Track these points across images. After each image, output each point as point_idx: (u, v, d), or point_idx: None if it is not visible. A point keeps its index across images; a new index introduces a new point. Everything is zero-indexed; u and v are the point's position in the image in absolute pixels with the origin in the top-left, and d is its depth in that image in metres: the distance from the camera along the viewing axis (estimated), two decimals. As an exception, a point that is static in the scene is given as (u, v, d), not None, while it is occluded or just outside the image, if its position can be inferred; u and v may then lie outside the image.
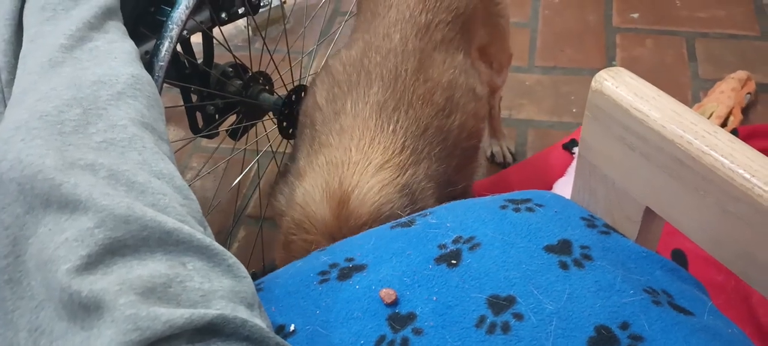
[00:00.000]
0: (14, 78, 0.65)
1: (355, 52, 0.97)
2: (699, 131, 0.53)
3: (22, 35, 0.69)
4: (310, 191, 0.87)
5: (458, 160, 0.96)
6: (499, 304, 0.54)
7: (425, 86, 0.93)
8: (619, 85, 0.59)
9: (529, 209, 0.64)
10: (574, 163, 1.40)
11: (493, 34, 1.19)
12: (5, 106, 0.65)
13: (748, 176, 0.49)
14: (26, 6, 0.70)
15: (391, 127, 0.88)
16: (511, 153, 1.57)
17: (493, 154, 1.57)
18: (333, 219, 0.84)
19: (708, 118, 1.49)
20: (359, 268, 0.61)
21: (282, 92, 1.23)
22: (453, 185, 0.96)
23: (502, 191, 0.71)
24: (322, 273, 0.62)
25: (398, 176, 0.86)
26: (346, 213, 0.84)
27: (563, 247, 0.59)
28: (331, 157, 0.88)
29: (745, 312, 1.05)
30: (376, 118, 0.88)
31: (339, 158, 0.87)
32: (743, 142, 0.52)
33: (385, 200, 0.85)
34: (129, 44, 0.70)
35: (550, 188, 1.43)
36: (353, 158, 0.87)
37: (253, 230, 1.49)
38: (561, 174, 1.45)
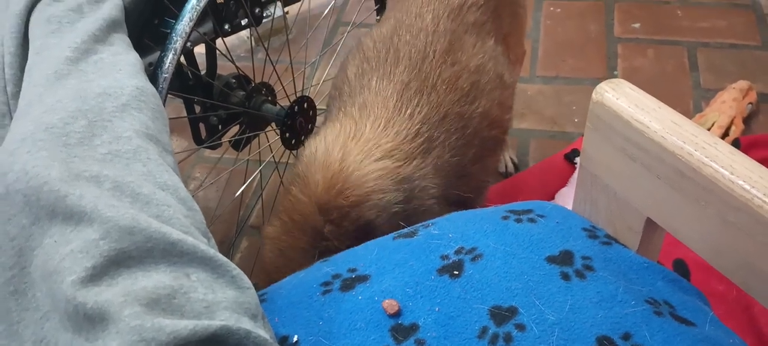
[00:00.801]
0: (20, 90, 0.66)
1: (386, 30, 0.97)
2: (699, 142, 0.53)
3: (27, 48, 0.70)
4: (316, 153, 0.87)
5: (476, 150, 0.94)
6: (501, 315, 0.54)
7: (452, 69, 0.91)
8: (620, 97, 0.59)
9: (531, 220, 0.64)
10: (575, 174, 1.40)
11: (513, 23, 1.18)
12: (11, 118, 0.66)
13: (748, 186, 0.49)
14: (32, 19, 0.71)
15: (408, 111, 0.88)
16: (513, 163, 1.57)
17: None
18: (324, 188, 0.84)
19: (709, 128, 1.50)
20: (362, 279, 0.61)
21: (285, 103, 1.24)
22: (467, 178, 0.93)
23: (504, 201, 0.71)
24: (325, 284, 0.62)
25: (401, 167, 0.86)
26: (337, 188, 0.83)
27: (565, 258, 0.59)
28: (346, 128, 0.88)
29: (747, 322, 1.04)
30: (396, 99, 0.88)
31: (352, 132, 0.87)
32: (743, 154, 0.52)
33: (379, 189, 0.84)
34: (133, 56, 0.70)
35: (552, 198, 1.43)
36: (365, 135, 0.87)
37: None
38: (563, 184, 1.45)
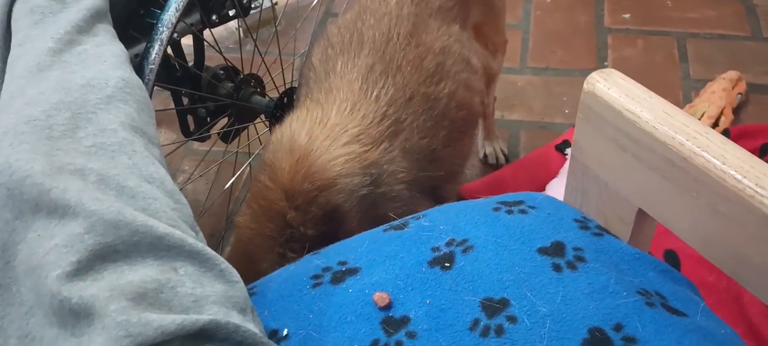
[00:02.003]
0: (2, 82, 0.65)
1: (351, 16, 0.98)
2: (690, 132, 0.53)
3: (10, 39, 0.68)
4: (282, 139, 0.87)
5: (446, 132, 0.94)
6: (493, 307, 0.54)
7: (416, 51, 0.92)
8: (611, 87, 0.59)
9: (522, 211, 0.64)
10: (566, 165, 1.40)
11: (487, 12, 1.18)
12: (-7, 110, 0.65)
13: (739, 176, 0.49)
14: (14, 10, 0.70)
15: (374, 94, 0.88)
16: (504, 154, 1.57)
17: (486, 155, 1.57)
18: (290, 174, 0.83)
19: (699, 119, 1.50)
20: (352, 271, 0.61)
21: (274, 94, 1.23)
22: (438, 162, 0.93)
23: (495, 192, 0.71)
24: (315, 277, 0.62)
25: (368, 151, 0.85)
26: (303, 173, 0.83)
27: (556, 249, 0.59)
28: (312, 114, 0.88)
29: (737, 311, 1.05)
30: (362, 82, 0.88)
31: (318, 117, 0.87)
32: (735, 144, 0.52)
33: (346, 173, 0.84)
34: (118, 47, 0.69)
35: (543, 189, 1.43)
36: (331, 120, 0.86)
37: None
38: (553, 175, 1.46)
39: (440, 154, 0.95)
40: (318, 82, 0.93)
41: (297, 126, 0.87)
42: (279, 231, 0.83)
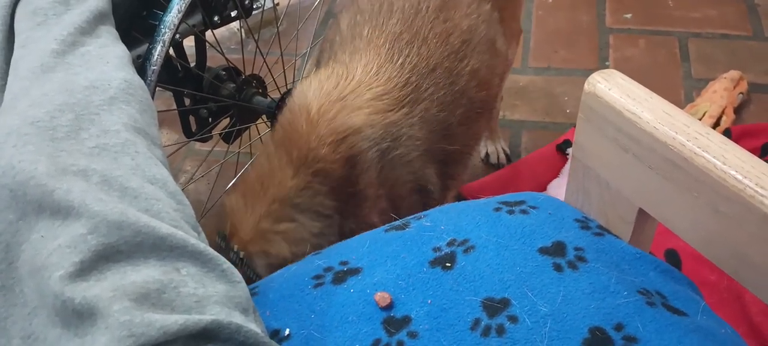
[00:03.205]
0: (6, 84, 0.65)
1: None
2: (691, 133, 0.53)
3: (13, 41, 0.69)
4: (310, 87, 0.89)
5: (465, 109, 0.96)
6: (494, 306, 0.54)
7: (444, 25, 0.93)
8: (612, 87, 0.59)
9: (523, 211, 0.64)
10: (568, 165, 1.40)
11: None
12: (-2, 111, 0.65)
13: (740, 177, 0.49)
14: (17, 11, 0.70)
15: (399, 61, 0.90)
16: (506, 154, 1.57)
17: (487, 155, 1.57)
18: (317, 114, 0.84)
19: (701, 118, 1.50)
20: (354, 271, 0.61)
21: (275, 95, 1.23)
22: (452, 139, 0.95)
23: (496, 192, 0.71)
24: (317, 277, 0.62)
25: (390, 111, 0.87)
26: (331, 115, 0.84)
27: (557, 249, 0.59)
28: (338, 69, 0.90)
29: (738, 311, 1.05)
30: (388, 48, 0.90)
31: (344, 74, 0.89)
32: (735, 144, 0.52)
33: (370, 124, 0.86)
34: (121, 49, 0.69)
35: (544, 188, 1.43)
36: (357, 78, 0.88)
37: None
38: (555, 175, 1.46)
39: (455, 130, 0.96)
40: (343, 46, 0.95)
41: (324, 78, 0.89)
42: (304, 161, 0.84)
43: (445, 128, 0.94)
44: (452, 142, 0.97)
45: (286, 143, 0.85)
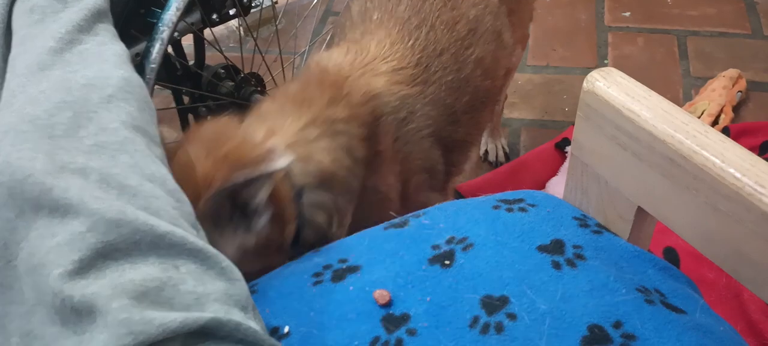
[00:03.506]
0: (3, 82, 0.65)
1: None
2: (690, 131, 0.53)
3: (10, 38, 0.69)
4: (328, 55, 0.91)
5: (470, 97, 0.98)
6: (493, 304, 0.54)
7: (451, 13, 0.96)
8: (611, 85, 0.59)
9: (522, 209, 0.64)
10: (566, 163, 1.41)
11: (520, 1, 1.21)
12: (-4, 109, 0.65)
13: (739, 175, 0.49)
14: (15, 8, 0.70)
15: (410, 42, 0.93)
16: (505, 152, 1.57)
17: (487, 152, 1.57)
18: (346, 70, 0.86)
19: (699, 117, 1.50)
20: (353, 269, 0.61)
21: (274, 93, 1.22)
22: (457, 126, 0.97)
23: (495, 190, 0.71)
24: (316, 275, 0.62)
25: (406, 86, 0.90)
26: (355, 75, 0.87)
27: (556, 247, 0.59)
28: (352, 46, 0.92)
29: (737, 309, 1.05)
30: (399, 29, 0.93)
31: (359, 48, 0.91)
32: (734, 142, 0.52)
33: (389, 92, 0.88)
34: (119, 46, 0.69)
35: (543, 187, 1.43)
36: (372, 52, 0.90)
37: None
38: (553, 173, 1.46)
39: (461, 117, 0.98)
40: (354, 28, 0.98)
41: (340, 51, 0.91)
42: (334, 99, 0.84)
43: (451, 114, 0.96)
44: (457, 128, 0.99)
45: (320, 83, 0.86)
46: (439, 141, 0.96)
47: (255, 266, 0.70)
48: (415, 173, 0.94)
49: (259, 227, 0.72)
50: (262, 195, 0.70)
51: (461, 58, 0.96)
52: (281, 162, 0.68)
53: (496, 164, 1.56)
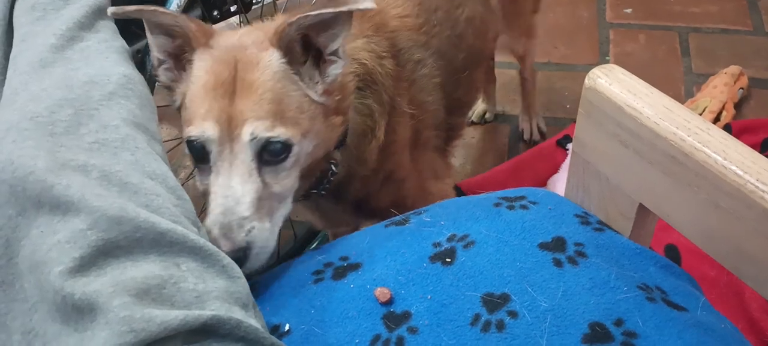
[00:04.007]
0: (5, 79, 0.65)
1: None
2: (692, 128, 0.53)
3: (12, 35, 0.68)
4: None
5: (465, 55, 1.05)
6: (494, 302, 0.54)
7: None
8: (613, 83, 0.59)
9: (523, 207, 0.64)
10: (568, 160, 1.40)
11: None
12: (-3, 106, 0.65)
13: (740, 172, 0.49)
14: (16, 6, 0.70)
15: None
16: (540, 131, 1.59)
17: (522, 131, 1.60)
18: (368, 12, 0.88)
19: (701, 114, 1.50)
20: (354, 267, 0.61)
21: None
22: (457, 84, 1.03)
23: (496, 187, 0.71)
24: (317, 272, 0.62)
25: (414, 32, 0.94)
26: (368, 15, 0.89)
27: (557, 244, 0.59)
28: None
29: (738, 306, 1.05)
30: None
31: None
32: (736, 139, 0.52)
33: (402, 29, 0.92)
34: (120, 43, 0.69)
35: (544, 184, 1.43)
36: (379, 3, 0.93)
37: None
38: (555, 170, 1.46)
39: (460, 76, 1.03)
40: None
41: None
42: (362, 33, 0.88)
43: (452, 71, 1.01)
44: (457, 88, 1.04)
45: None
46: (445, 97, 1.00)
47: (310, 137, 0.73)
48: (426, 128, 0.98)
49: (331, 77, 0.74)
50: (337, 43, 0.73)
51: (453, 16, 1.02)
52: (366, 3, 0.70)
53: (531, 143, 1.57)
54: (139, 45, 0.91)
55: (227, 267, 0.53)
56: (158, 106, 0.69)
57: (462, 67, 1.05)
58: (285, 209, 0.74)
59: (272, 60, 0.72)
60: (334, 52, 0.74)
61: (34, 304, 0.49)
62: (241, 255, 0.66)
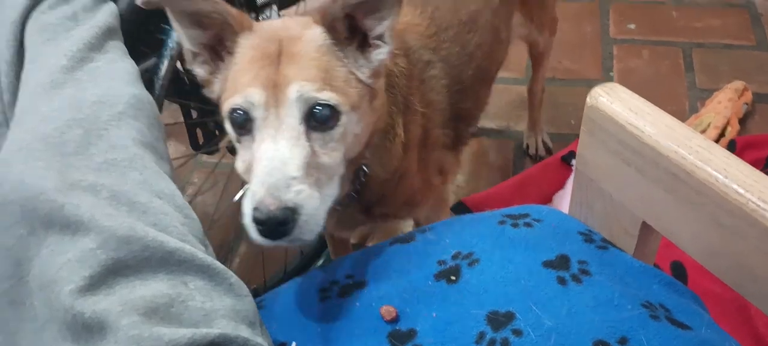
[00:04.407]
0: (16, 99, 0.66)
1: None
2: (693, 146, 0.54)
3: (23, 56, 0.70)
4: None
5: (473, 72, 1.06)
6: (498, 320, 0.54)
7: (456, 3, 1.04)
8: (614, 101, 0.59)
9: (527, 225, 0.64)
10: (572, 176, 1.40)
11: None
12: (8, 126, 0.66)
13: (742, 190, 0.50)
14: (27, 27, 0.71)
15: (418, 11, 0.99)
16: (546, 146, 1.60)
17: (527, 146, 1.61)
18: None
19: (705, 129, 1.50)
20: (359, 285, 0.61)
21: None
22: (464, 95, 1.04)
23: (501, 204, 0.72)
24: (323, 290, 0.63)
25: (424, 37, 0.96)
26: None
27: (561, 262, 0.59)
28: None
29: (744, 323, 1.05)
30: (407, 2, 0.97)
31: None
32: (737, 157, 0.53)
33: (410, 31, 0.93)
34: (129, 64, 0.70)
35: (550, 199, 1.43)
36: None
37: (254, 245, 1.49)
38: (560, 186, 1.46)
39: (467, 88, 1.05)
40: None
41: None
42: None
43: (460, 82, 1.02)
44: (465, 98, 1.05)
45: None
46: (452, 103, 1.01)
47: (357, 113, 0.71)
48: (436, 127, 0.98)
49: (376, 63, 0.73)
50: (384, 26, 0.71)
51: (464, 38, 1.03)
52: None
53: (537, 158, 1.58)
54: (148, 64, 0.92)
55: (234, 286, 0.54)
56: (165, 124, 0.70)
57: (469, 81, 1.06)
58: (333, 189, 0.69)
59: (316, 34, 0.71)
60: (380, 37, 0.72)
61: (44, 323, 0.50)
62: (288, 216, 0.61)
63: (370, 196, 0.87)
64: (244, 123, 0.68)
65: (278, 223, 0.59)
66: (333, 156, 0.68)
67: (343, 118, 0.69)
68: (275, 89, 0.67)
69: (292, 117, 0.66)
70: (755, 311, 1.04)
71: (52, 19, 0.71)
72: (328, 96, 0.67)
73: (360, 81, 0.72)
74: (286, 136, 0.66)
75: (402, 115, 0.88)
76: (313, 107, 0.67)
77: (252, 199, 0.62)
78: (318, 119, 0.67)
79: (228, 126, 0.71)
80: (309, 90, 0.66)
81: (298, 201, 0.62)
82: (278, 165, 0.64)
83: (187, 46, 0.75)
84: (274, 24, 0.75)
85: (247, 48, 0.71)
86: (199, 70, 0.76)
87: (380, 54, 0.73)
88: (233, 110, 0.68)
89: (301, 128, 0.66)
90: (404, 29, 0.94)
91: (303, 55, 0.69)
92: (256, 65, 0.69)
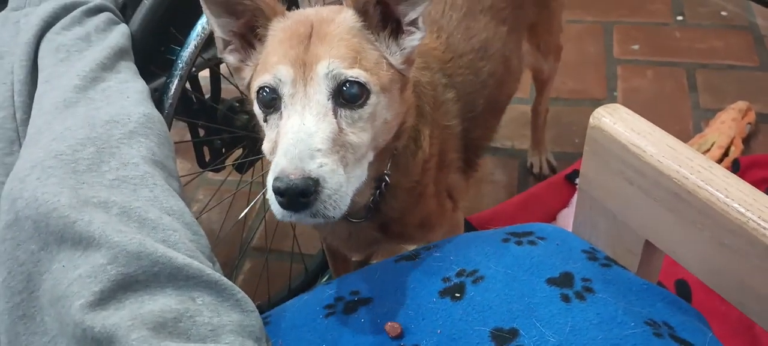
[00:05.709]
0: (30, 117, 0.67)
1: None
2: (695, 166, 0.54)
3: (37, 76, 0.71)
4: None
5: (485, 101, 1.07)
6: (503, 337, 0.55)
7: (468, 31, 1.05)
8: (617, 122, 0.60)
9: (531, 242, 0.65)
10: (576, 194, 1.41)
11: (542, 13, 1.27)
12: (20, 144, 0.67)
13: (743, 210, 0.50)
14: (41, 47, 0.73)
15: (436, 36, 1.00)
16: (551, 165, 1.61)
17: (532, 165, 1.62)
18: None
19: (709, 149, 1.50)
20: (365, 301, 0.62)
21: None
22: (475, 123, 1.05)
23: (506, 221, 0.72)
24: (328, 306, 0.63)
25: (441, 61, 0.97)
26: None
27: (565, 280, 0.60)
28: None
29: (750, 342, 1.05)
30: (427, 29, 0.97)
31: None
32: (738, 177, 0.53)
33: (428, 54, 0.94)
34: (140, 84, 0.72)
35: (554, 218, 1.44)
36: None
37: (259, 262, 1.49)
38: (564, 205, 1.46)
39: (478, 116, 1.05)
40: None
41: None
42: None
43: (472, 109, 1.03)
44: (476, 127, 1.06)
45: None
46: (464, 129, 1.02)
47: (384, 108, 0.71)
48: (451, 150, 0.99)
49: (409, 50, 0.73)
50: (417, 12, 0.71)
51: (477, 66, 1.04)
52: None
53: (541, 177, 1.59)
54: (158, 83, 0.93)
55: (241, 301, 0.54)
56: (174, 142, 0.71)
57: (480, 109, 1.06)
58: (360, 171, 0.68)
59: (348, 17, 0.71)
60: (414, 22, 0.73)
61: (53, 337, 0.51)
62: (309, 187, 0.59)
63: (389, 210, 0.87)
64: (271, 102, 0.68)
65: (299, 193, 0.59)
66: (361, 136, 0.68)
67: (373, 98, 0.69)
68: (304, 67, 0.67)
69: (320, 94, 0.66)
70: (760, 331, 1.04)
71: (65, 40, 0.72)
72: (357, 73, 0.67)
73: (391, 66, 0.72)
74: (313, 111, 0.66)
75: (428, 126, 0.88)
76: (343, 85, 0.67)
77: (274, 170, 0.61)
78: (346, 97, 0.67)
79: (255, 107, 0.71)
80: (338, 66, 0.67)
81: (321, 173, 0.61)
82: (303, 136, 0.63)
83: (219, 34, 0.75)
84: (307, 10, 0.75)
85: (278, 30, 0.72)
86: (230, 58, 0.76)
87: (414, 40, 0.73)
88: (261, 89, 0.69)
89: (329, 104, 0.66)
90: (426, 50, 0.95)
91: (334, 35, 0.69)
92: (286, 45, 0.69)
